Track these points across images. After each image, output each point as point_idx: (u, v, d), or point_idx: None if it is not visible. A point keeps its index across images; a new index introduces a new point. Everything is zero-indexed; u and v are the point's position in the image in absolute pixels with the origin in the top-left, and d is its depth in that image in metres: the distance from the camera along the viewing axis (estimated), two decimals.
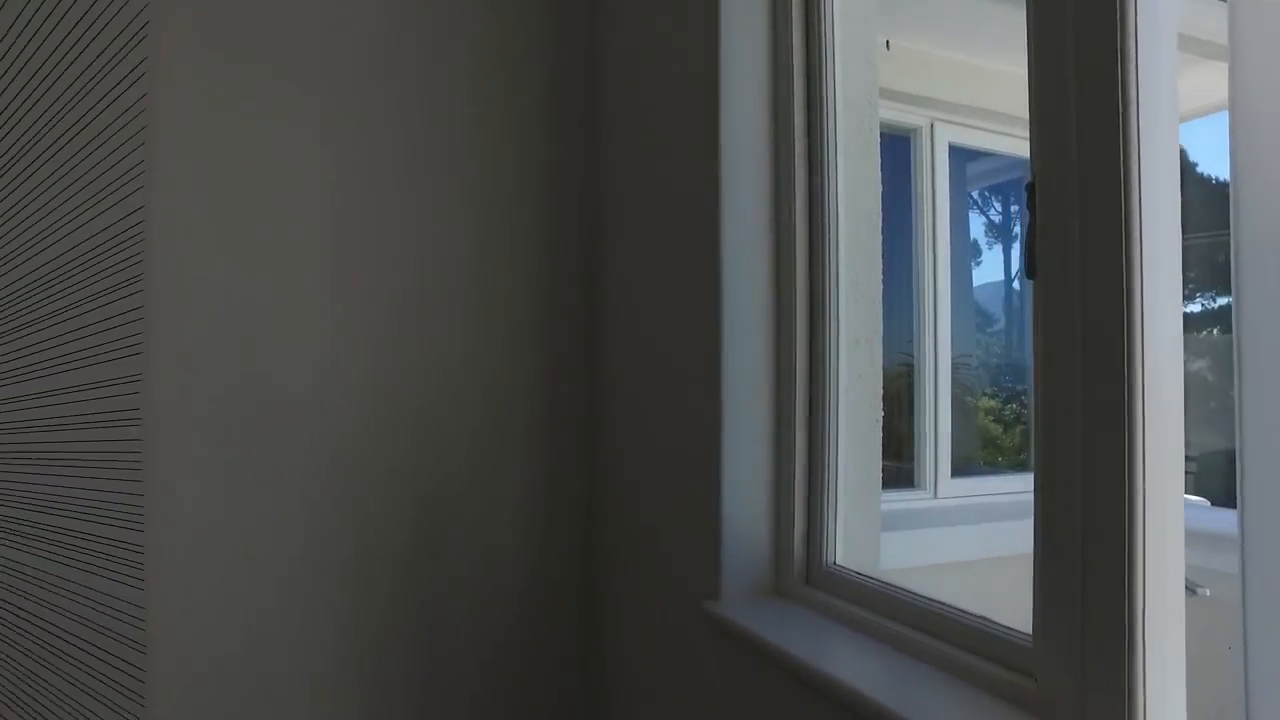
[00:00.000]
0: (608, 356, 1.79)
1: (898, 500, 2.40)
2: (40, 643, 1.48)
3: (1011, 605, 1.01)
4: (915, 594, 1.11)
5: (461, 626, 1.74)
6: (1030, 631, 0.87)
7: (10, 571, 1.46)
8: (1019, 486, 2.70)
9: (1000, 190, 3.53)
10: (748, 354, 1.33)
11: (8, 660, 1.46)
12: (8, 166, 1.46)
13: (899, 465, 2.56)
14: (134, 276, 1.51)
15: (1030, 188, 0.86)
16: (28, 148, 1.48)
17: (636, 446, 1.66)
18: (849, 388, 1.32)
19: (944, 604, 1.06)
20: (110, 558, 1.51)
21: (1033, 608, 0.86)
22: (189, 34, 1.54)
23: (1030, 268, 0.87)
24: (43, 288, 1.48)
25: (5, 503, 1.46)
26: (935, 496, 2.48)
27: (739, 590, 1.32)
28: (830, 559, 1.29)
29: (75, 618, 1.49)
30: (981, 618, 0.99)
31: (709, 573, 1.33)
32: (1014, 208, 3.58)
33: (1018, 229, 3.50)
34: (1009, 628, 0.94)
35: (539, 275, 1.81)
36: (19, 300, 1.47)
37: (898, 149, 2.49)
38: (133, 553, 1.51)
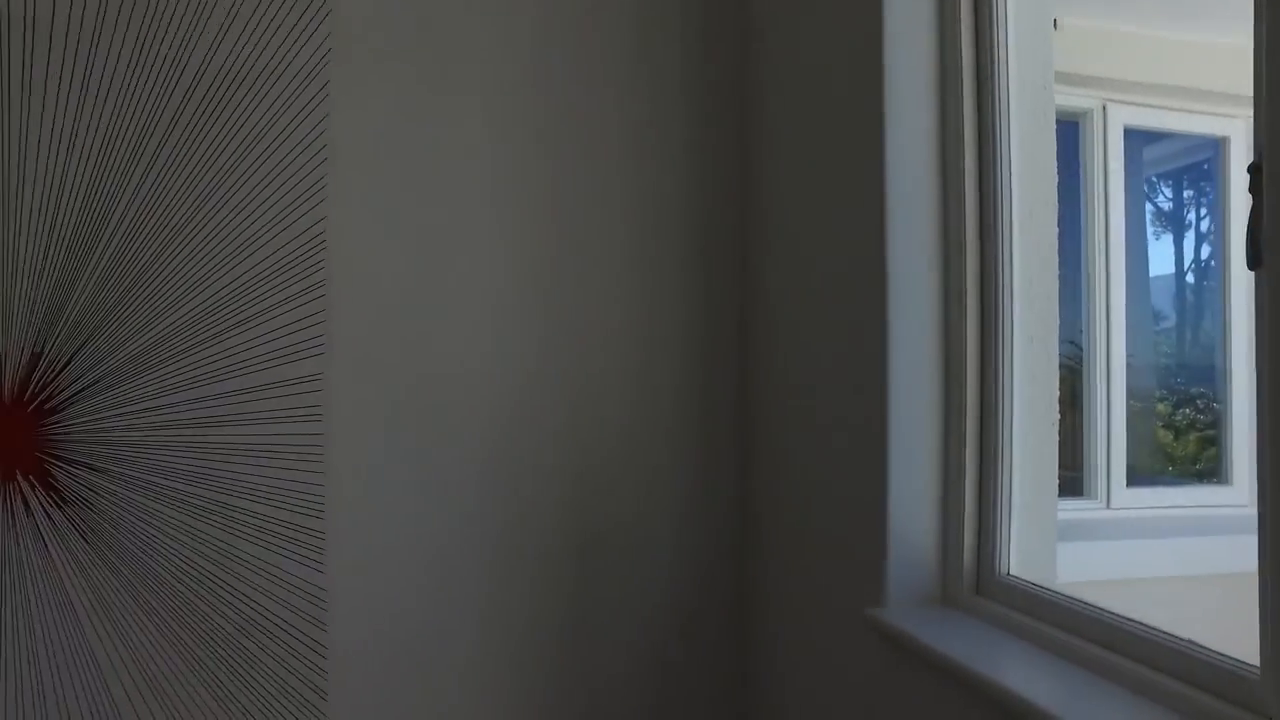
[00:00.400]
0: (761, 355, 1.77)
1: (1065, 509, 2.25)
2: (238, 612, 1.62)
3: (1215, 629, 0.93)
4: (1106, 610, 1.03)
5: (609, 624, 1.77)
6: (1257, 662, 0.78)
7: (212, 547, 1.61)
8: (1203, 499, 2.47)
9: (1171, 176, 3.23)
10: (915, 351, 1.28)
11: (216, 626, 1.61)
12: (208, 194, 1.61)
13: (1064, 472, 2.40)
14: (317, 283, 1.63)
15: (1255, 169, 0.78)
16: (225, 174, 1.62)
17: (793, 446, 1.63)
18: (1023, 387, 1.24)
19: (1142, 623, 0.97)
20: (295, 541, 1.63)
21: (1260, 636, 0.77)
22: (365, 59, 1.66)
23: (1254, 258, 0.78)
24: (238, 297, 1.62)
25: (208, 487, 1.61)
26: (1108, 506, 2.30)
27: (904, 597, 1.27)
28: (1003, 569, 1.22)
29: (266, 593, 1.63)
30: (1189, 641, 0.91)
31: (872, 578, 1.29)
32: (1187, 193, 3.26)
33: (1191, 217, 3.19)
34: (1228, 656, 0.85)
35: (690, 274, 1.82)
36: (217, 309, 1.62)
37: (1064, 135, 2.33)
38: (315, 538, 1.64)
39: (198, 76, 1.60)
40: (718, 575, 1.83)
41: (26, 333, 1.56)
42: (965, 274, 1.27)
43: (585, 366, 1.75)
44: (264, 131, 1.63)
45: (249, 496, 1.62)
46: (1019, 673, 1.02)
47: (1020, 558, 1.21)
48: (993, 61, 1.26)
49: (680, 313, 1.81)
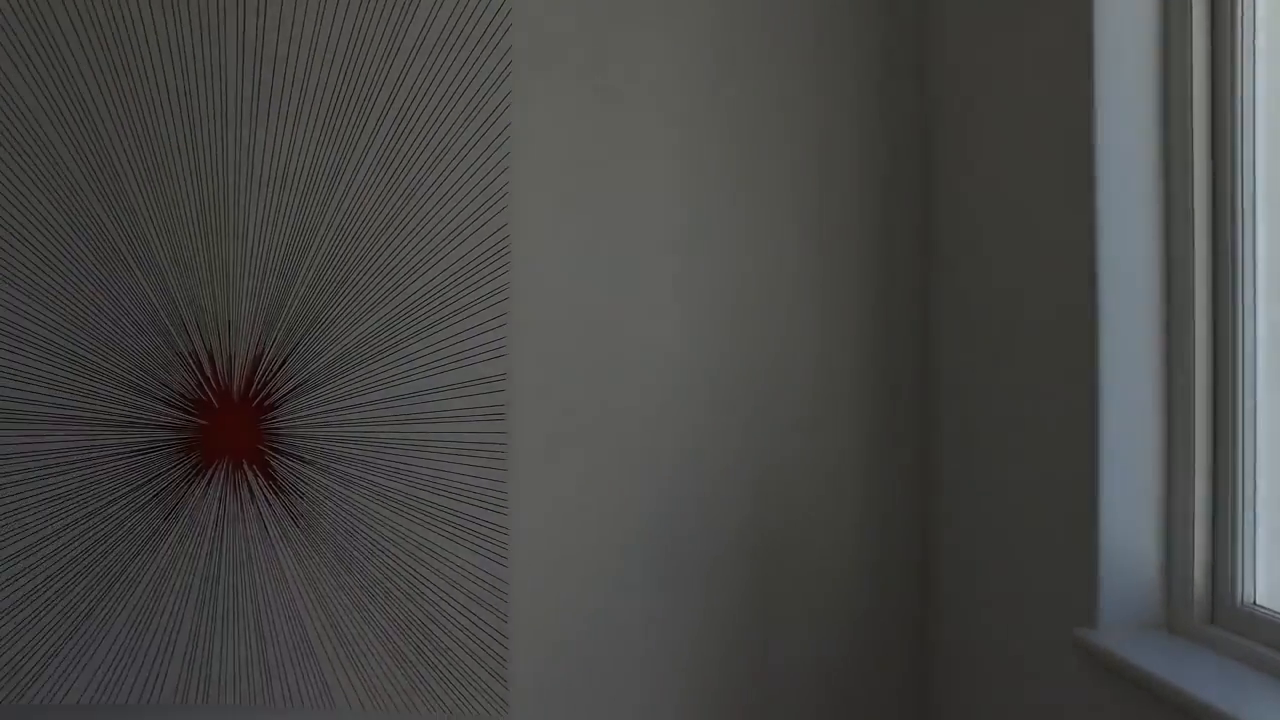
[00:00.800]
0: (946, 356, 1.68)
1: None
2: (425, 599, 1.71)
3: None
4: None
5: (785, 629, 1.74)
6: None
7: (403, 537, 1.72)
8: None
9: None
10: (1132, 350, 1.17)
11: (407, 610, 1.71)
12: (400, 206, 1.71)
13: None
14: (500, 287, 1.71)
15: None
16: (416, 186, 1.72)
17: (985, 444, 1.53)
18: (1270, 392, 1.10)
19: None
20: (480, 535, 1.71)
21: None
22: (544, 71, 1.72)
23: None
24: (427, 302, 1.72)
25: (400, 480, 1.72)
26: None
27: (1120, 621, 1.16)
28: (1246, 597, 1.09)
29: (452, 583, 1.72)
30: None
31: (1083, 596, 1.19)
32: None
33: None
34: None
35: (871, 276, 1.76)
36: (408, 314, 1.72)
37: None
38: (499, 533, 1.71)
39: (392, 95, 1.72)
40: (899, 581, 1.75)
41: (250, 338, 1.73)
42: (1193, 260, 1.14)
43: (764, 367, 1.74)
44: (451, 143, 1.71)
45: (437, 491, 1.72)
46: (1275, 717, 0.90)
47: (1271, 586, 1.07)
48: (1232, 21, 1.12)
49: (861, 311, 1.75)
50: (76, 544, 1.74)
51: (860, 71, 1.75)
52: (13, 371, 1.74)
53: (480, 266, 1.71)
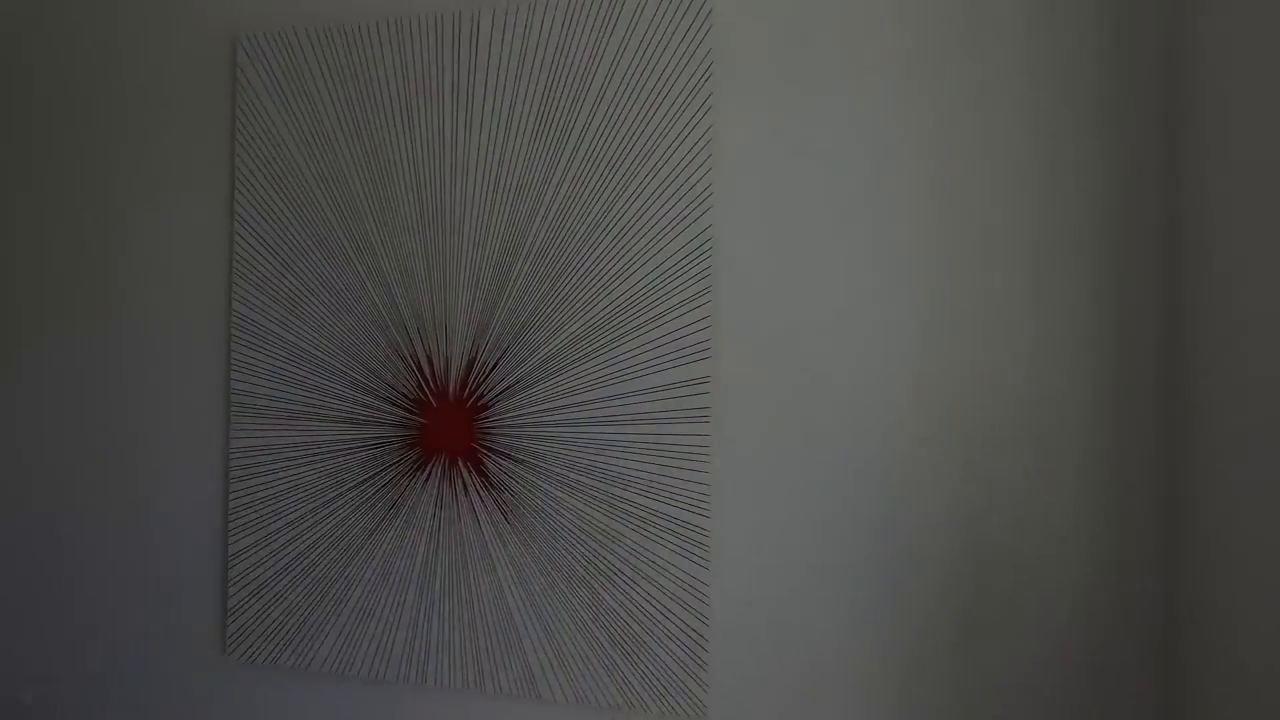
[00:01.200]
0: (1192, 375, 1.51)
1: None
2: (627, 597, 1.74)
3: None
4: None
5: (1005, 643, 1.62)
6: None
7: (607, 536, 1.75)
8: None
9: None
10: None
11: (609, 607, 1.75)
12: (606, 210, 1.75)
13: None
14: (704, 289, 1.70)
15: None
16: (621, 190, 1.74)
17: (1246, 442, 1.36)
18: None
19: None
20: (682, 537, 1.72)
21: None
22: (746, 71, 1.69)
23: None
24: (632, 304, 1.74)
25: (604, 480, 1.75)
26: None
27: None
28: None
29: (653, 582, 1.73)
30: None
31: None
32: None
33: None
34: None
35: (1100, 271, 1.61)
36: (613, 318, 1.75)
37: None
38: (700, 534, 1.71)
39: (596, 103, 1.75)
40: (1139, 597, 1.59)
41: (464, 342, 1.83)
42: None
43: (980, 375, 1.62)
44: (654, 147, 1.73)
45: (641, 491, 1.74)
46: None
47: None
48: None
49: (1089, 320, 1.61)
50: (320, 527, 1.91)
51: (1089, 63, 1.60)
52: (262, 371, 1.94)
53: (684, 269, 1.72)
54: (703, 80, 1.70)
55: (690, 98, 1.71)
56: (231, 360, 1.98)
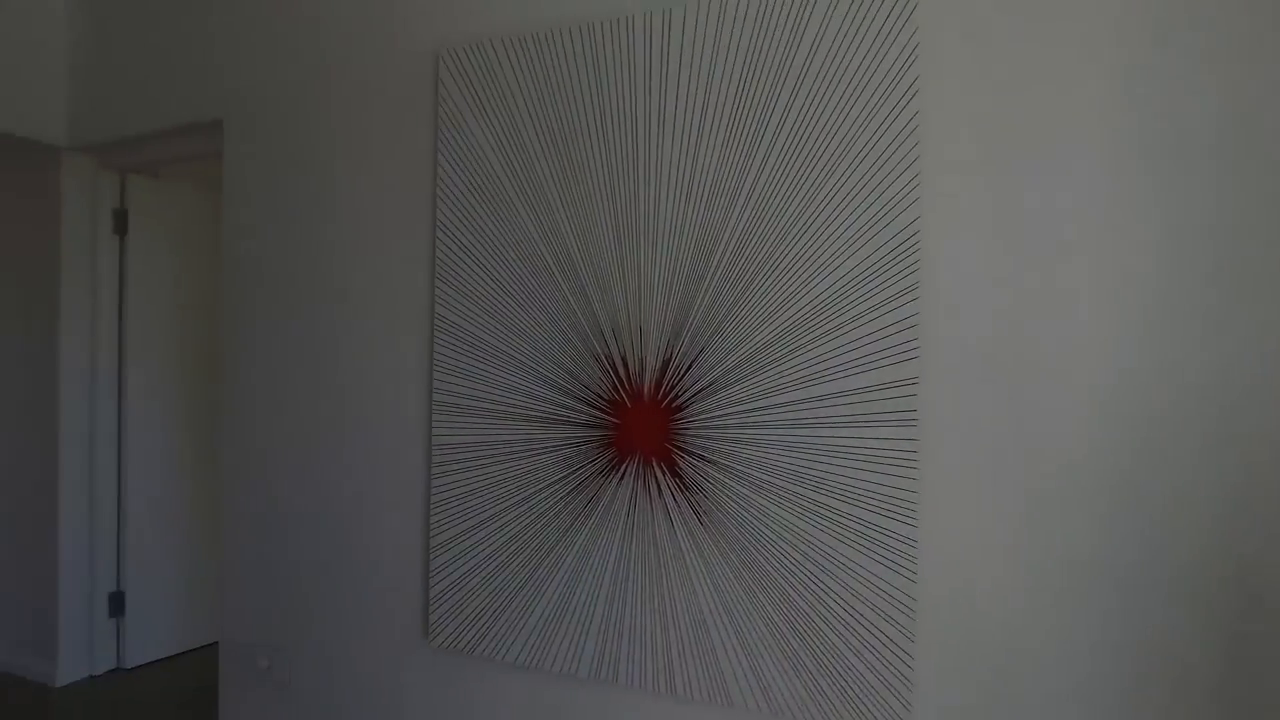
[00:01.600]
0: None
1: None
2: (826, 606, 1.68)
3: None
4: None
5: (1256, 679, 1.43)
6: None
7: (805, 542, 1.70)
8: None
9: None
10: None
11: (806, 615, 1.69)
12: (803, 208, 1.69)
13: None
14: (910, 287, 1.61)
15: None
16: (819, 185, 1.68)
17: None
18: None
19: None
20: (886, 547, 1.64)
21: None
22: (954, 52, 1.59)
23: None
24: (831, 304, 1.68)
25: (802, 485, 1.70)
26: None
27: None
28: None
29: (854, 593, 1.66)
30: None
31: None
32: None
33: None
34: None
35: None
36: (812, 317, 1.70)
37: None
38: (905, 544, 1.62)
39: (795, 90, 1.70)
40: None
41: (659, 342, 1.83)
42: None
43: (1229, 375, 1.44)
44: (854, 138, 1.66)
45: (841, 497, 1.67)
46: None
47: None
48: None
49: None
50: (515, 524, 1.97)
51: None
52: (468, 373, 2.03)
53: (888, 266, 1.63)
54: (908, 64, 1.61)
55: (894, 83, 1.62)
56: (434, 359, 2.09)
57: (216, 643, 3.51)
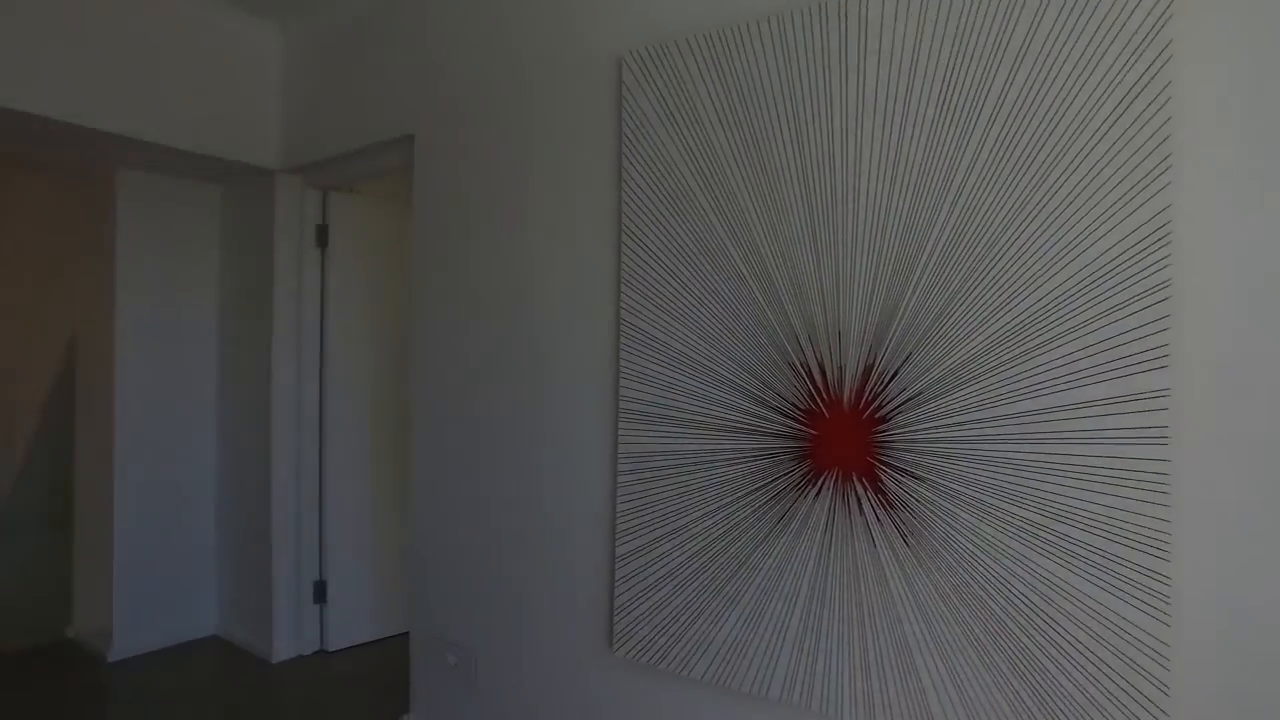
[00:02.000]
0: None
1: None
2: (1055, 645, 1.49)
3: None
4: None
5: None
6: None
7: (1030, 571, 1.52)
8: None
9: None
10: None
11: (1030, 654, 1.51)
12: (1027, 196, 1.52)
13: None
14: (1159, 284, 1.40)
15: None
16: (1047, 170, 1.50)
17: None
18: None
19: None
20: (1132, 583, 1.43)
21: None
22: (1211, 5, 1.35)
23: None
24: (1060, 305, 1.49)
25: (1027, 507, 1.52)
26: None
27: None
28: None
29: (1090, 633, 1.46)
30: None
31: None
32: None
33: None
34: None
35: None
36: (1037, 319, 1.52)
37: None
38: (1158, 582, 1.41)
39: (1016, 63, 1.53)
40: None
41: (860, 348, 1.70)
42: None
43: None
44: (1092, 113, 1.46)
45: (1073, 523, 1.48)
46: None
47: None
48: None
49: None
50: (704, 536, 1.91)
51: None
52: (659, 381, 1.99)
53: (1131, 261, 1.43)
54: (1160, 22, 1.40)
55: (1141, 49, 1.41)
56: (620, 366, 2.06)
57: (407, 633, 3.70)
